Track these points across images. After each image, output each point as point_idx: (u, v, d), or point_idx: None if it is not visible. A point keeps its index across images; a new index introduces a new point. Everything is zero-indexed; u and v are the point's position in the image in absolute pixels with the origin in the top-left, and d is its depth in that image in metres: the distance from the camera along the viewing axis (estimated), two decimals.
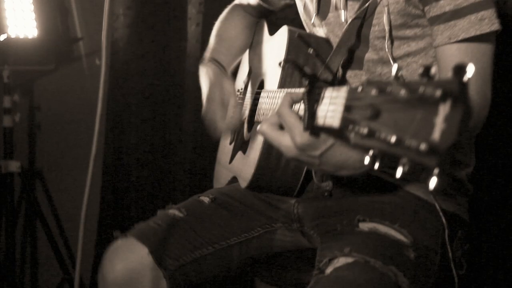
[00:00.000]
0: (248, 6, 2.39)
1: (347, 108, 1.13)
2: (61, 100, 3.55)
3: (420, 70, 0.97)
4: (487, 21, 1.66)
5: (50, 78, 3.56)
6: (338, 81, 1.84)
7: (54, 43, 3.45)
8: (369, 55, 1.83)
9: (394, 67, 1.05)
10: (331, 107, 1.26)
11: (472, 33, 1.66)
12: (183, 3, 3.23)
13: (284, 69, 1.88)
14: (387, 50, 1.77)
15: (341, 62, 1.84)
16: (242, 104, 2.26)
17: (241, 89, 2.32)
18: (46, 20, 3.37)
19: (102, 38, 2.09)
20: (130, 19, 3.28)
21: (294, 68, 1.54)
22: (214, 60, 2.18)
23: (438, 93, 0.92)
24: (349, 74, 1.88)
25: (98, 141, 2.10)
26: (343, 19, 1.84)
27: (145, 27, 3.30)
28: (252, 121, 2.09)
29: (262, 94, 2.01)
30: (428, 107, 0.93)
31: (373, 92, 1.03)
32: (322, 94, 1.35)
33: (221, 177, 2.33)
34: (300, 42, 1.88)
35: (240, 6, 2.42)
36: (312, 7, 1.97)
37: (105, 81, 2.07)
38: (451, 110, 0.91)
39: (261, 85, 2.14)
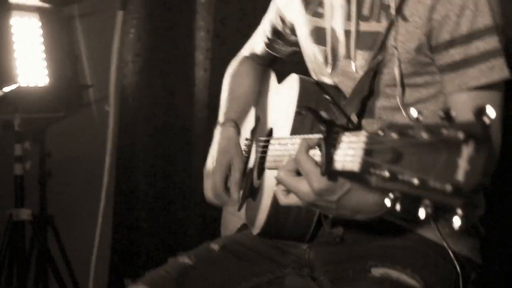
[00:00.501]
0: (256, 55, 2.41)
1: (367, 152, 1.14)
2: (71, 147, 3.56)
3: (441, 114, 0.98)
4: (497, 70, 1.68)
5: (60, 125, 3.58)
6: (353, 126, 1.81)
7: (64, 91, 3.46)
8: (381, 103, 1.84)
9: (413, 111, 1.04)
10: (350, 152, 1.27)
11: (483, 81, 1.68)
12: (190, 50, 3.25)
13: (295, 117, 1.88)
14: (398, 98, 1.78)
15: (354, 111, 1.83)
16: (248, 154, 2.27)
17: (249, 137, 2.32)
18: (56, 67, 3.39)
19: (110, 86, 2.10)
20: (139, 66, 3.31)
21: (312, 114, 1.54)
22: (231, 121, 2.22)
23: (461, 135, 0.92)
24: (362, 122, 1.86)
25: (108, 188, 2.10)
26: (353, 69, 1.85)
27: (154, 74, 3.33)
28: (262, 168, 2.08)
29: (272, 142, 2.00)
30: (451, 149, 0.93)
31: (394, 135, 1.04)
32: (339, 139, 1.36)
33: (230, 224, 2.32)
34: (312, 90, 1.89)
35: (249, 57, 2.43)
36: (321, 56, 1.98)
37: (114, 128, 2.08)
38: (475, 151, 0.91)
39: (269, 134, 2.14)
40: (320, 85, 1.74)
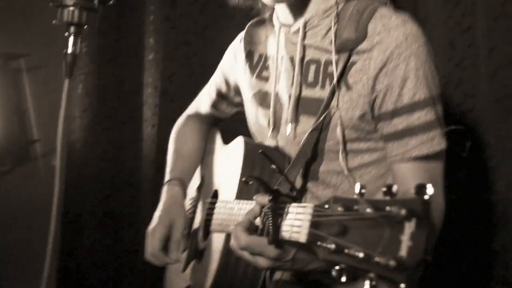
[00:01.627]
0: (201, 115, 2.43)
1: (314, 224, 1.16)
2: (16, 201, 3.48)
3: (383, 189, 1.02)
4: (436, 141, 1.75)
5: (5, 179, 3.50)
6: (297, 193, 1.86)
7: (11, 145, 3.40)
8: (324, 167, 1.88)
9: (358, 185, 1.08)
10: (296, 222, 1.29)
11: (425, 151, 1.74)
12: (139, 105, 3.25)
13: (240, 182, 1.90)
14: (341, 162, 1.82)
15: (299, 174, 1.88)
16: (193, 213, 2.27)
17: (193, 197, 2.32)
18: (3, 122, 3.34)
19: (57, 141, 2.06)
20: (86, 121, 3.29)
21: (258, 183, 1.57)
22: (177, 180, 2.23)
23: (403, 212, 0.95)
24: (309, 184, 1.92)
25: (53, 243, 2.05)
26: (296, 134, 1.89)
27: (101, 129, 3.31)
28: (207, 230, 2.09)
29: (218, 205, 2.02)
30: (394, 225, 0.97)
31: (340, 209, 1.07)
32: (286, 209, 1.39)
33: (174, 285, 2.30)
34: (257, 155, 1.90)
35: (193, 116, 2.46)
36: (265, 121, 2.01)
37: (61, 184, 2.03)
38: (416, 228, 0.95)
39: (214, 195, 2.14)
40: (265, 154, 1.74)
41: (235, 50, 2.22)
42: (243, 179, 1.81)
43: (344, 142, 1.82)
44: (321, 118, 1.80)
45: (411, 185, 1.68)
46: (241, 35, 2.21)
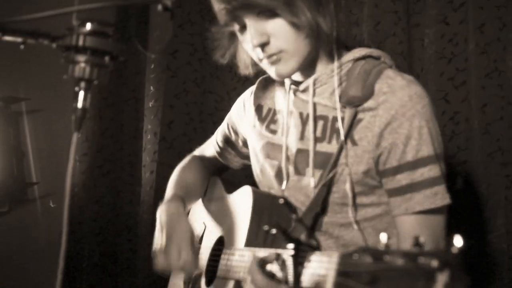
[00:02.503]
0: (205, 158, 2.42)
1: (340, 273, 1.14)
2: (14, 242, 3.43)
3: (412, 241, 1.03)
4: (440, 196, 1.77)
5: (3, 220, 3.46)
6: (317, 242, 1.89)
7: (9, 187, 3.37)
8: (328, 218, 1.90)
9: (383, 236, 1.09)
10: (321, 271, 1.30)
11: (427, 206, 1.76)
12: (137, 151, 3.25)
13: (250, 229, 1.89)
14: (350, 215, 1.84)
15: (308, 227, 1.88)
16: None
17: (196, 242, 2.29)
18: (2, 164, 3.32)
19: (66, 188, 2.02)
20: (85, 165, 3.27)
21: (280, 232, 1.56)
22: (179, 197, 2.13)
23: (435, 263, 0.97)
24: (318, 238, 1.92)
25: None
26: (311, 185, 1.89)
27: (100, 174, 3.30)
28: (211, 276, 2.06)
29: (225, 251, 2.00)
30: (426, 276, 0.97)
31: (368, 259, 1.06)
32: (307, 258, 1.39)
33: None
34: (265, 203, 1.92)
35: (198, 157, 2.45)
36: (272, 170, 2.02)
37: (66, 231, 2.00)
38: (450, 280, 0.96)
39: (219, 242, 2.12)
40: (287, 202, 1.75)
41: (245, 102, 2.23)
42: (265, 227, 1.80)
43: (354, 196, 1.84)
44: (331, 173, 1.83)
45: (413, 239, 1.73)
46: (252, 88, 2.22)
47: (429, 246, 1.71)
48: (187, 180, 2.32)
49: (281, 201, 1.81)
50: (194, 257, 1.95)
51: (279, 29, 1.78)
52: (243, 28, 1.83)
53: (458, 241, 0.99)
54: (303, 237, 1.79)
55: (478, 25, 2.50)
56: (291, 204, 1.77)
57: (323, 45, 1.88)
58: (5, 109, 3.42)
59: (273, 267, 1.53)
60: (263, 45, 1.79)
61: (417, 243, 1.03)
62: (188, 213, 2.36)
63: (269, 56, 1.81)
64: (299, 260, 1.41)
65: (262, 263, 1.55)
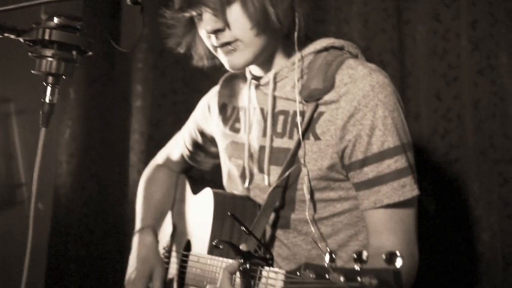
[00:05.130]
0: (172, 162, 2.32)
1: None
2: (1, 244, 3.28)
3: (354, 256, 1.00)
4: (408, 188, 1.67)
5: None
6: (266, 243, 1.81)
7: None
8: (295, 215, 1.79)
9: (327, 256, 1.04)
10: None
11: (396, 199, 1.65)
12: (125, 151, 3.11)
13: (212, 234, 1.82)
14: (307, 214, 1.73)
15: (269, 222, 1.80)
16: (168, 263, 2.16)
17: (166, 246, 2.19)
18: None
19: (32, 189, 1.90)
20: (73, 166, 3.12)
21: (229, 247, 1.51)
22: (149, 228, 2.15)
23: (375, 282, 0.95)
24: (278, 232, 1.83)
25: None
26: (266, 183, 1.80)
27: (88, 174, 3.15)
28: (182, 283, 1.99)
29: (191, 258, 1.93)
30: None
31: (312, 276, 1.04)
32: (258, 273, 1.35)
33: None
34: (227, 207, 1.85)
35: (162, 165, 2.35)
36: (238, 171, 1.92)
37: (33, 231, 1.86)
38: None
39: (187, 245, 2.04)
40: (234, 216, 1.63)
41: (210, 102, 2.14)
42: (214, 243, 1.71)
43: (312, 194, 1.74)
44: (288, 170, 1.73)
45: (383, 234, 1.63)
46: (216, 88, 2.13)
47: (400, 240, 1.66)
48: (154, 198, 2.28)
49: (229, 213, 1.69)
50: None
51: (235, 17, 1.68)
52: (200, 15, 1.74)
53: (398, 261, 0.97)
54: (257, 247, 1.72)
55: (471, 21, 2.40)
56: (238, 218, 1.64)
57: (282, 38, 1.78)
58: None
59: (234, 277, 1.49)
60: (217, 32, 1.70)
61: (359, 258, 0.99)
62: None
63: (223, 45, 1.72)
64: (250, 274, 1.38)
65: (229, 277, 1.48)
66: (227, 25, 1.68)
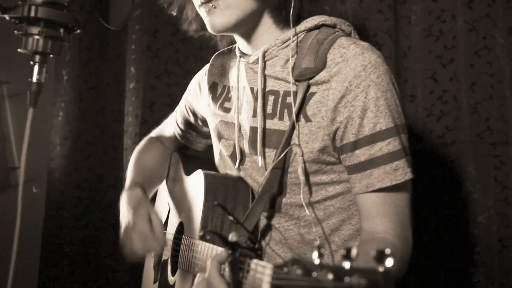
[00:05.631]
0: (164, 139, 2.29)
1: (273, 286, 1.14)
2: None
3: (342, 252, 0.97)
4: (400, 171, 1.61)
5: None
6: (261, 231, 1.76)
7: None
8: (287, 199, 1.73)
9: (315, 253, 1.01)
10: (257, 282, 1.25)
11: (388, 183, 1.60)
12: (119, 134, 3.07)
13: (203, 216, 1.76)
14: (302, 197, 1.68)
15: (263, 209, 1.74)
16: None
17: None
18: None
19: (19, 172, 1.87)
20: (66, 149, 3.10)
21: (217, 237, 1.45)
22: (139, 185, 2.04)
23: (363, 282, 0.93)
24: (270, 218, 1.78)
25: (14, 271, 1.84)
26: (261, 165, 1.74)
27: (81, 157, 3.13)
28: (175, 267, 1.95)
29: (183, 241, 1.88)
30: None
31: (299, 271, 1.01)
32: (246, 265, 1.32)
33: None
34: (219, 189, 1.80)
35: (156, 139, 2.31)
36: (227, 152, 1.87)
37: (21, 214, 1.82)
38: None
39: (180, 227, 2.01)
40: (221, 206, 1.59)
41: (200, 81, 2.09)
42: (200, 234, 1.68)
43: (307, 177, 1.69)
44: (283, 153, 1.67)
45: (376, 219, 1.59)
46: (206, 66, 2.08)
47: (394, 224, 1.61)
48: (146, 164, 2.21)
49: (215, 203, 1.64)
50: (157, 240, 1.86)
51: None
52: None
53: (389, 261, 0.93)
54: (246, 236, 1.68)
55: (467, 1, 2.35)
56: (225, 208, 1.61)
57: (272, 11, 1.73)
58: None
59: (223, 267, 1.44)
60: None
61: (348, 255, 0.96)
62: (156, 195, 2.32)
63: (206, 2, 1.66)
64: (238, 266, 1.34)
65: (218, 268, 1.44)
66: None
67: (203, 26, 1.78)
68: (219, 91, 1.95)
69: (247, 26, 1.72)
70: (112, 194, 3.07)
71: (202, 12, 1.71)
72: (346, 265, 0.95)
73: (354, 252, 0.96)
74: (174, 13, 1.88)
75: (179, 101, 2.30)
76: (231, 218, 1.58)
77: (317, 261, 0.99)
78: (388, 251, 0.93)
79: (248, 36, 1.76)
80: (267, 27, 1.75)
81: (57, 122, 3.11)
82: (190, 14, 1.86)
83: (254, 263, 1.29)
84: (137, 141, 2.92)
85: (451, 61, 2.38)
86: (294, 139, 1.67)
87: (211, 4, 1.66)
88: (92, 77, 3.14)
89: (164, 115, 2.71)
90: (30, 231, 3.01)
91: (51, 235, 3.09)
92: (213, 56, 2.03)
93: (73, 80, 3.10)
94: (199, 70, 2.19)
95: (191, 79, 2.24)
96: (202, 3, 1.68)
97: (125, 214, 1.94)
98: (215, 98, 1.95)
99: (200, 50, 2.92)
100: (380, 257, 0.93)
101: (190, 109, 2.14)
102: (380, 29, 2.46)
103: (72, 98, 3.11)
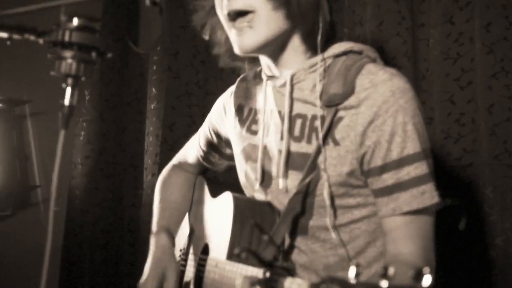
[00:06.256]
0: (188, 165, 2.30)
1: None
2: (16, 246, 3.28)
3: (380, 271, 0.97)
4: (427, 195, 1.63)
5: (6, 223, 3.31)
6: (285, 251, 1.76)
7: (12, 190, 3.23)
8: (313, 222, 1.75)
9: (352, 270, 1.01)
10: None
11: (415, 206, 1.62)
12: (139, 154, 3.11)
13: (232, 239, 1.78)
14: (328, 220, 1.70)
15: (288, 230, 1.76)
16: (184, 266, 2.14)
17: (183, 249, 2.17)
18: (5, 166, 3.21)
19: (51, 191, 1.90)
20: (87, 168, 3.14)
21: (251, 256, 1.49)
22: (165, 230, 2.11)
23: None
24: (297, 239, 1.79)
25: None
26: (282, 186, 1.77)
27: (102, 176, 3.17)
28: (199, 286, 1.95)
29: (209, 262, 1.89)
30: None
31: None
32: (279, 283, 1.32)
33: None
34: (247, 212, 1.81)
35: (178, 166, 2.33)
36: (254, 175, 1.88)
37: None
38: None
39: (205, 249, 2.01)
40: (257, 225, 1.64)
41: (225, 103, 2.10)
42: (235, 251, 1.66)
43: (331, 199, 1.71)
44: (310, 176, 1.69)
45: (401, 241, 1.61)
46: (232, 88, 2.09)
47: (418, 247, 1.64)
48: (171, 199, 2.24)
49: (252, 222, 1.69)
50: None
51: None
52: None
53: (426, 279, 0.93)
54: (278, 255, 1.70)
55: (484, 24, 2.36)
56: (261, 226, 1.65)
57: (301, 34, 1.75)
58: (8, 112, 3.31)
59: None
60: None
61: (385, 274, 0.96)
62: None
63: (238, 15, 1.68)
64: (272, 285, 1.34)
65: (251, 283, 1.43)
66: None
67: (231, 52, 1.80)
68: (245, 113, 1.97)
69: (275, 46, 1.74)
70: (131, 213, 3.10)
71: (232, 33, 1.72)
72: (384, 284, 0.96)
73: (391, 271, 0.96)
74: (207, 38, 1.89)
75: (199, 121, 2.33)
76: (265, 237, 1.60)
77: (354, 280, 0.99)
78: (427, 270, 0.94)
79: (275, 56, 1.78)
80: (295, 49, 1.76)
81: (78, 141, 3.15)
82: (219, 36, 1.87)
83: (289, 281, 1.30)
84: (157, 161, 2.96)
85: (468, 83, 2.40)
86: (320, 162, 1.69)
87: (245, 23, 1.67)
88: (113, 97, 3.19)
89: (184, 135, 2.75)
90: (51, 249, 3.03)
91: (71, 254, 3.12)
92: (239, 79, 2.05)
93: (94, 100, 3.15)
94: (219, 92, 2.21)
95: (211, 100, 2.27)
96: (232, 19, 1.69)
97: (148, 261, 2.02)
98: (241, 121, 1.96)
99: (220, 72, 2.96)
100: (418, 275, 0.93)
101: (214, 131, 2.16)
102: (398, 51, 2.48)
103: (93, 118, 3.15)
